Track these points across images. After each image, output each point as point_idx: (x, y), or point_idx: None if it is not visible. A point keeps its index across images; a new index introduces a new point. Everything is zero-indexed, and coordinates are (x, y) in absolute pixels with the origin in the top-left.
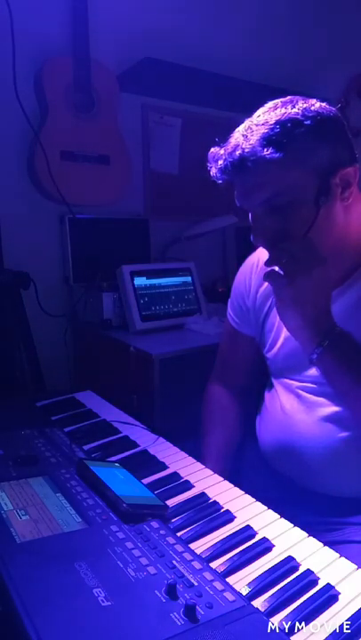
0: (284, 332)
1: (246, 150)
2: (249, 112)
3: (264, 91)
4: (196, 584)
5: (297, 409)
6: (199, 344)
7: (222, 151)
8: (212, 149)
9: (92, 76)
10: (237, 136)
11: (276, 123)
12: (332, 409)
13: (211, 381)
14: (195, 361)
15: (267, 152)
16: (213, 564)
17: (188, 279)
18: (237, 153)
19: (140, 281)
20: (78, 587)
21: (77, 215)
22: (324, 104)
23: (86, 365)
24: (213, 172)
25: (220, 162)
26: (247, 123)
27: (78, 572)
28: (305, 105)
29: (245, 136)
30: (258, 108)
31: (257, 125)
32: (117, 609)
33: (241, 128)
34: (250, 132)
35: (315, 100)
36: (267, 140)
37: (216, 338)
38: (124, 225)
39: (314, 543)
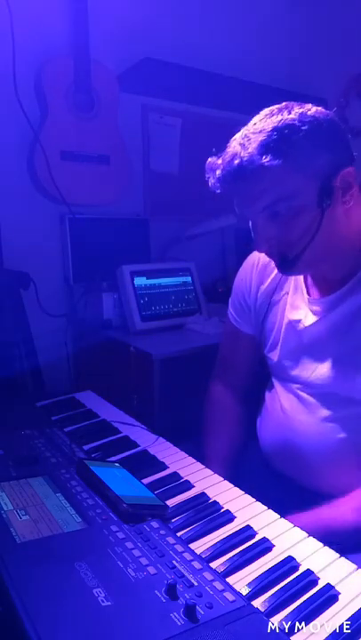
0: (284, 333)
1: (245, 159)
2: (249, 112)
3: (264, 91)
4: (196, 584)
5: (296, 409)
6: (199, 344)
7: (220, 161)
8: (210, 159)
9: (92, 77)
10: (235, 145)
11: (273, 130)
12: (331, 410)
13: (212, 382)
14: (195, 361)
15: (265, 159)
16: (213, 564)
17: (188, 279)
18: (236, 162)
19: (140, 281)
20: (78, 587)
21: (77, 215)
22: (320, 108)
23: (86, 365)
24: (212, 181)
25: (219, 172)
26: (243, 131)
27: (78, 572)
28: (301, 110)
29: (243, 144)
30: (258, 108)
31: (254, 133)
32: (117, 609)
33: (238, 137)
34: (247, 140)
35: (310, 105)
36: (265, 148)
37: (216, 338)
38: (124, 225)
39: (314, 543)
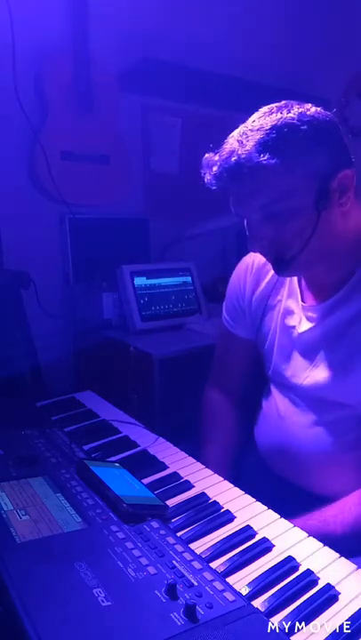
0: (279, 338)
1: (242, 156)
2: (249, 112)
3: (264, 90)
4: (196, 584)
5: (292, 413)
6: (199, 344)
7: (217, 157)
8: (207, 155)
9: (91, 76)
10: (232, 142)
11: (272, 128)
12: (324, 414)
13: (208, 386)
14: (195, 361)
15: (263, 158)
16: (213, 564)
17: (188, 279)
18: (233, 159)
19: (140, 281)
20: (78, 587)
21: (77, 215)
22: (319, 109)
23: (86, 365)
24: (208, 178)
25: (215, 168)
26: (242, 128)
27: (78, 572)
28: (301, 110)
29: (241, 142)
30: (258, 108)
31: (252, 131)
32: (117, 609)
33: (235, 133)
34: (245, 137)
35: (310, 105)
36: (263, 146)
37: (216, 338)
38: (124, 225)
39: (314, 543)
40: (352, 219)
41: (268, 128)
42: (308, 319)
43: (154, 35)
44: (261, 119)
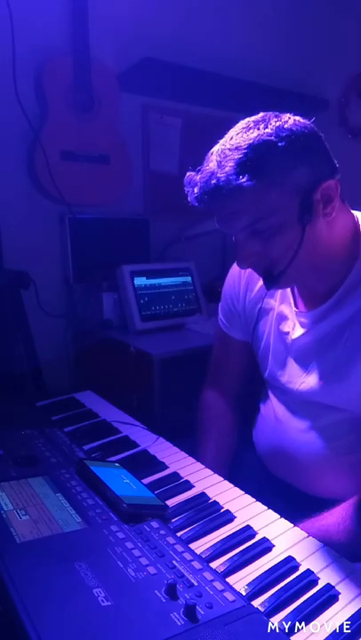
0: (274, 343)
1: (221, 179)
2: (249, 112)
3: (264, 90)
4: (196, 584)
5: (288, 416)
6: (199, 344)
7: (198, 177)
8: (188, 174)
9: (92, 76)
10: (211, 162)
11: (250, 147)
12: (319, 418)
13: (205, 387)
14: (195, 361)
15: (242, 180)
16: (213, 564)
17: (188, 279)
18: (212, 182)
19: (140, 281)
20: (78, 587)
21: (77, 215)
22: (298, 118)
23: (86, 365)
24: (190, 198)
25: (196, 190)
26: (220, 146)
27: (78, 572)
28: (278, 123)
29: (220, 162)
30: (258, 108)
31: (230, 150)
32: (117, 609)
33: (215, 151)
34: (224, 157)
35: (288, 116)
36: (241, 167)
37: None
38: (124, 225)
39: (314, 543)
40: (339, 225)
41: (245, 147)
42: (302, 325)
43: (154, 35)
44: (239, 137)
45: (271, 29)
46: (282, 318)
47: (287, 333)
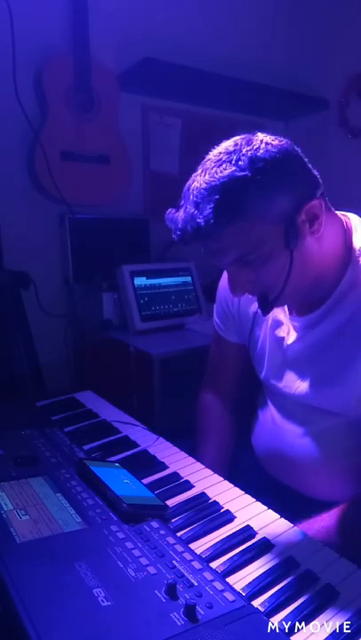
0: (269, 348)
1: (201, 223)
2: (249, 112)
3: (264, 91)
4: (196, 584)
5: (285, 420)
6: (199, 344)
7: (180, 214)
8: (169, 211)
9: (92, 76)
10: (189, 204)
11: (224, 187)
12: (314, 422)
13: (202, 389)
14: (195, 361)
15: (222, 221)
16: (213, 564)
17: (188, 279)
18: (193, 225)
19: (140, 281)
20: (78, 587)
21: (77, 215)
22: (270, 139)
23: (86, 365)
24: (174, 236)
25: (178, 231)
26: (196, 183)
27: (78, 572)
28: (250, 152)
29: (197, 204)
30: (258, 108)
31: (205, 190)
32: (117, 609)
33: (192, 189)
34: (201, 199)
35: (260, 139)
36: (218, 209)
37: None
38: (124, 225)
39: (314, 543)
40: (328, 237)
41: (220, 187)
42: (296, 330)
43: (154, 35)
44: (213, 173)
45: (271, 29)
46: (277, 324)
47: (283, 339)
